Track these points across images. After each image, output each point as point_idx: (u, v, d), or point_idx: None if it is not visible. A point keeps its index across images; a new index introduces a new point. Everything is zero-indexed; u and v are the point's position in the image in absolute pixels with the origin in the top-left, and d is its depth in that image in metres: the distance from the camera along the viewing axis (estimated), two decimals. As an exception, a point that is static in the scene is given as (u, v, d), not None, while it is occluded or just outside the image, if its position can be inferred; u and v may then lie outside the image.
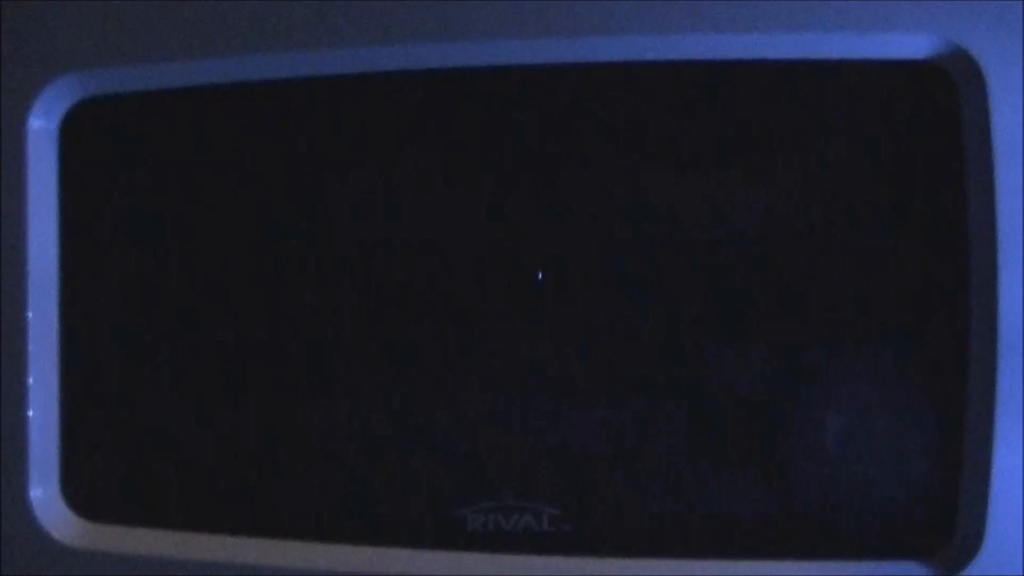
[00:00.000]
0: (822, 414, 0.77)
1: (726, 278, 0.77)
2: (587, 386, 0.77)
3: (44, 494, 0.79)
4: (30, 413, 0.78)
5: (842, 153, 0.76)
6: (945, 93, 0.74)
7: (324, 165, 0.79)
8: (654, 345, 0.77)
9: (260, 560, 0.78)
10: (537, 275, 0.77)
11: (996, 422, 0.73)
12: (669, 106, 0.77)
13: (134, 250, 0.80)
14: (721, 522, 0.77)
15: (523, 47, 0.75)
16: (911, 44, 0.74)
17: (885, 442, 0.76)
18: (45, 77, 0.77)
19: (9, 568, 0.79)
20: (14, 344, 0.78)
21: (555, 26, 0.75)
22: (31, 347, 0.78)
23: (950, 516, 0.75)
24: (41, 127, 0.78)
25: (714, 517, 0.77)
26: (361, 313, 0.79)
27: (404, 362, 0.79)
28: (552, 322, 0.77)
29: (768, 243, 0.77)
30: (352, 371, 0.79)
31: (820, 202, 0.76)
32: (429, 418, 0.78)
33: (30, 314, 0.78)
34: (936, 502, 0.75)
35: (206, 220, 0.79)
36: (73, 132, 0.79)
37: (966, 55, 0.72)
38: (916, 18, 0.73)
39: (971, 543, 0.74)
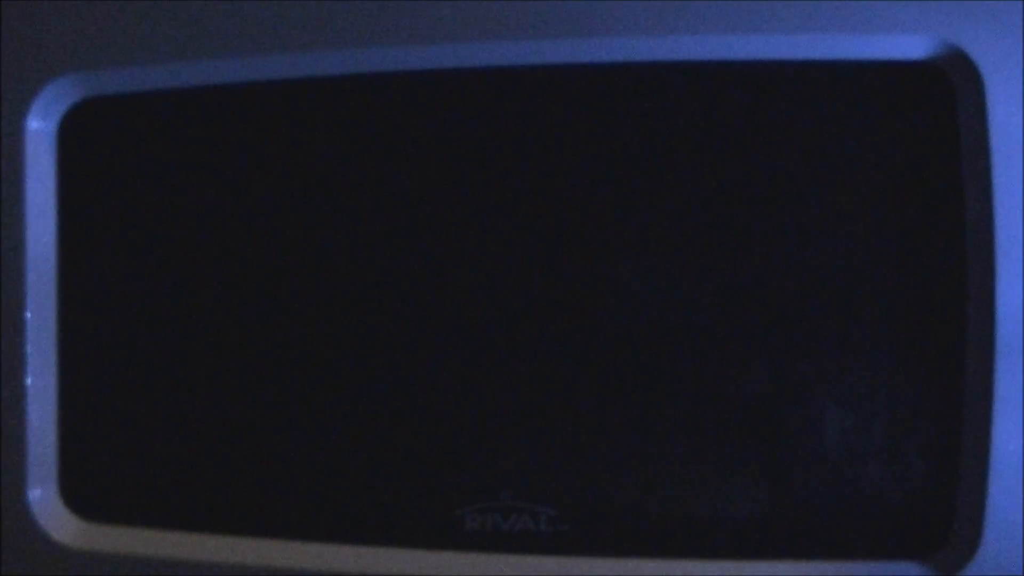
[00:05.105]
0: (821, 415, 0.77)
1: (723, 277, 0.77)
2: (584, 387, 0.78)
3: (43, 494, 0.79)
4: (29, 414, 0.78)
5: (840, 153, 0.76)
6: (942, 94, 0.74)
7: (323, 165, 0.79)
8: (652, 346, 0.77)
9: (260, 560, 0.78)
10: (533, 274, 0.77)
11: (994, 423, 0.73)
12: (668, 106, 0.77)
13: (132, 251, 0.80)
14: (718, 522, 0.77)
15: (523, 47, 0.75)
16: (909, 45, 0.73)
17: (883, 443, 0.76)
18: (43, 78, 0.77)
19: (8, 568, 0.79)
20: (13, 345, 0.78)
21: (555, 26, 0.75)
22: (30, 348, 0.78)
23: (948, 517, 0.75)
24: (39, 128, 0.78)
25: (711, 517, 0.77)
26: (361, 313, 0.79)
27: (404, 363, 0.79)
28: (550, 322, 0.77)
29: (766, 242, 0.77)
30: (352, 372, 0.79)
31: (817, 202, 0.76)
32: (428, 419, 0.79)
33: (29, 315, 0.78)
34: (934, 503, 0.75)
35: (205, 220, 0.80)
36: (71, 133, 0.79)
37: (963, 56, 0.72)
38: (914, 19, 0.73)
39: (969, 544, 0.74)
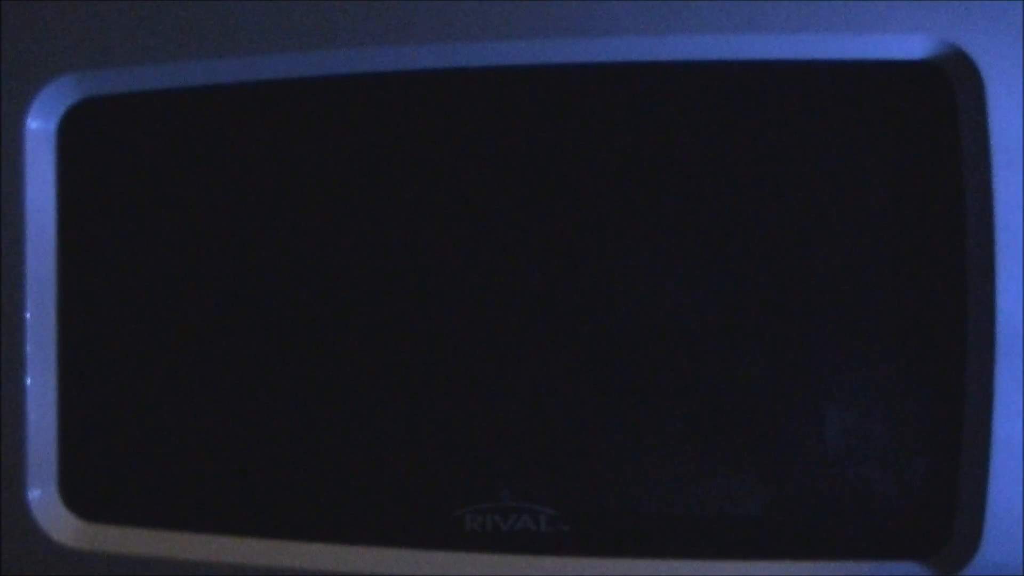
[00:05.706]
0: (821, 415, 0.77)
1: (723, 277, 0.77)
2: (584, 387, 0.78)
3: (43, 495, 0.79)
4: (28, 414, 0.78)
5: (839, 153, 0.76)
6: (943, 93, 0.74)
7: (324, 165, 0.79)
8: (652, 345, 0.77)
9: (260, 560, 0.78)
10: (532, 275, 0.77)
11: (994, 423, 0.73)
12: (668, 106, 0.77)
13: (132, 251, 0.80)
14: (719, 522, 0.77)
15: (523, 47, 0.75)
16: (909, 44, 0.74)
17: (884, 443, 0.76)
18: (43, 78, 0.77)
19: (8, 569, 0.79)
20: (13, 345, 0.78)
21: (555, 26, 0.75)
22: (29, 348, 0.78)
23: (948, 517, 0.75)
24: (39, 128, 0.78)
25: (711, 517, 0.77)
26: (361, 314, 0.79)
27: (403, 363, 0.79)
28: (550, 322, 0.77)
29: (766, 242, 0.77)
30: (351, 372, 0.79)
31: (817, 202, 0.76)
32: (428, 419, 0.78)
33: (28, 315, 0.78)
34: (934, 503, 0.75)
35: (204, 221, 0.80)
36: (71, 133, 0.79)
37: (963, 55, 0.72)
38: (913, 18, 0.73)
39: (969, 544, 0.74)
